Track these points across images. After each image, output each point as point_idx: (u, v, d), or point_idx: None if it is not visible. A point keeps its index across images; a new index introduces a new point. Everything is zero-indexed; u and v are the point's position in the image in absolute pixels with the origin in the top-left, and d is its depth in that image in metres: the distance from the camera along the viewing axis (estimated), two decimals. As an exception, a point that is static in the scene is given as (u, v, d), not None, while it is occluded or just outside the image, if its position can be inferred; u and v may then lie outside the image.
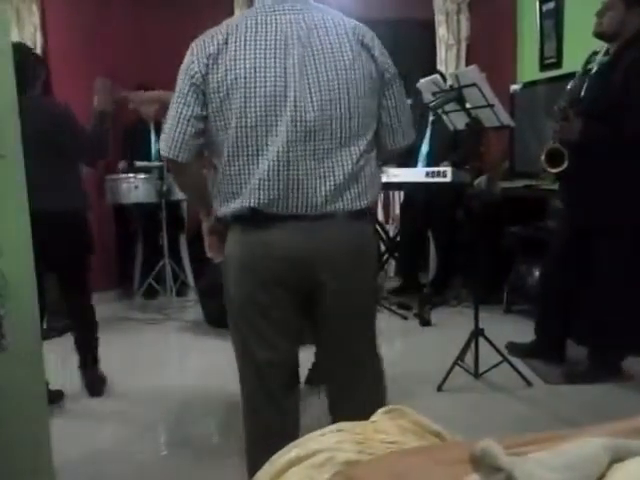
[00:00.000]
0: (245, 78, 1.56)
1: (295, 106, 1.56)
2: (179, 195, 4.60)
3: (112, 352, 3.48)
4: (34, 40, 4.69)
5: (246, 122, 1.57)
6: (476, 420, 2.65)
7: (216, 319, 4.17)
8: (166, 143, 1.66)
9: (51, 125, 2.89)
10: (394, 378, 2.01)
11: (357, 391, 1.77)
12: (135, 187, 4.51)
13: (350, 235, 1.67)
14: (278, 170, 1.58)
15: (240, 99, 1.56)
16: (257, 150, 1.59)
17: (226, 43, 1.59)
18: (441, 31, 5.34)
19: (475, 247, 3.38)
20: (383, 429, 0.69)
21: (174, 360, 3.36)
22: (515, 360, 3.16)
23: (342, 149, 1.62)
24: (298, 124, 1.57)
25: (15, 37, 4.46)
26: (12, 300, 1.96)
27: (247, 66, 1.57)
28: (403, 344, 4.01)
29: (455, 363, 3.04)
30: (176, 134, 1.63)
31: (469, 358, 3.08)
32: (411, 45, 5.23)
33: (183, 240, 5.12)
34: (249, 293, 1.68)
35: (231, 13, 5.31)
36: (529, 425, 2.61)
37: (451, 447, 0.66)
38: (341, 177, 1.61)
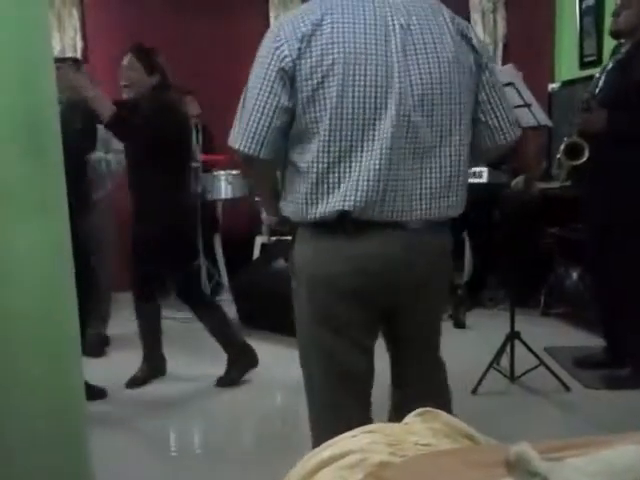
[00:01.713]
0: (344, 63, 1.38)
1: (400, 98, 1.40)
2: (214, 195, 4.65)
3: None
4: (74, 44, 4.79)
5: (342, 113, 1.40)
6: (511, 424, 2.60)
7: (249, 318, 4.20)
8: (243, 137, 1.47)
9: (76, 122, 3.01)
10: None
11: (431, 397, 1.70)
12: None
13: (440, 247, 1.57)
14: (379, 169, 1.40)
15: (337, 87, 1.39)
16: (353, 146, 1.41)
17: (320, 24, 1.40)
18: (477, 30, 5.28)
19: (512, 248, 3.33)
20: (415, 431, 0.68)
21: (207, 358, 3.39)
22: (552, 364, 3.11)
23: (442, 149, 1.47)
24: (401, 119, 1.40)
25: (56, 41, 4.57)
26: (50, 297, 2.01)
27: (346, 50, 1.39)
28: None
29: (490, 366, 3.00)
30: (258, 127, 1.45)
31: (504, 361, 3.04)
32: (447, 44, 5.18)
33: (218, 240, 5.16)
34: (326, 307, 1.52)
35: (266, 16, 5.36)
36: (566, 430, 2.56)
37: (485, 450, 0.65)
38: (440, 180, 1.47)
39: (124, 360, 3.54)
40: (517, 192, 3.90)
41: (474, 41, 1.52)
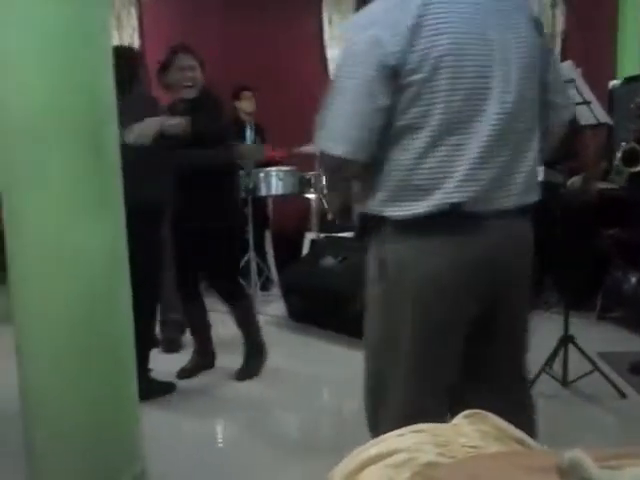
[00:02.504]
0: (453, 55, 1.34)
1: (501, 87, 1.38)
2: (265, 191, 4.69)
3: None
4: (132, 42, 4.91)
5: (453, 106, 1.36)
6: (562, 429, 2.54)
7: (297, 314, 4.23)
8: (344, 143, 1.40)
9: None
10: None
11: (528, 405, 1.63)
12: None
13: (530, 232, 1.55)
14: (485, 160, 1.38)
15: (448, 80, 1.34)
16: (463, 137, 1.38)
17: (423, 14, 1.33)
18: (535, 25, 5.16)
19: (567, 249, 3.24)
20: (464, 432, 0.67)
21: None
22: (607, 369, 3.01)
23: (529, 135, 1.46)
24: (502, 108, 1.39)
25: (115, 39, 4.69)
26: (105, 291, 2.07)
27: (453, 40, 1.34)
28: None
29: (542, 370, 2.92)
30: (360, 132, 1.39)
31: (557, 365, 2.96)
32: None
33: (268, 236, 5.20)
34: (436, 312, 1.44)
35: (319, 15, 5.37)
36: (620, 438, 2.47)
37: (535, 455, 0.64)
38: (529, 168, 1.46)
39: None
40: (574, 192, 3.79)
41: (540, 27, 1.51)
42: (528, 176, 1.46)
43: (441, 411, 1.48)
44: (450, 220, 1.38)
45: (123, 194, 2.12)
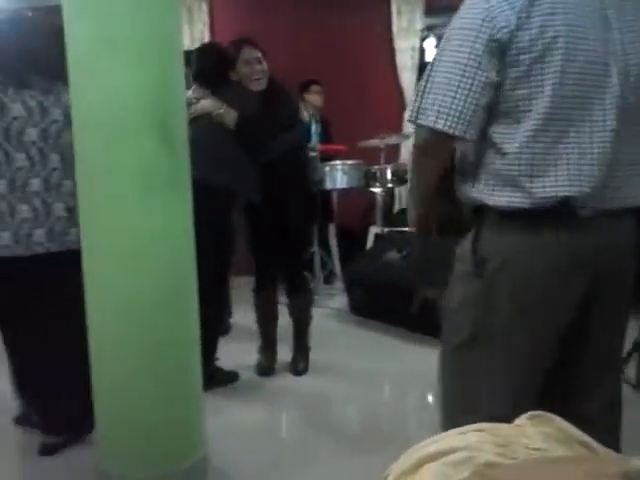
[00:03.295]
0: (567, 37, 1.26)
1: (620, 80, 1.29)
2: (330, 185, 4.69)
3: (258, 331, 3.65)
4: (202, 37, 5.01)
5: (563, 90, 1.27)
6: (633, 435, 2.43)
7: (360, 308, 4.22)
8: (448, 117, 1.31)
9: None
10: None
11: (614, 410, 1.58)
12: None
13: (636, 235, 1.44)
14: (603, 153, 1.28)
15: (559, 62, 1.26)
16: (573, 125, 1.29)
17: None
18: None
19: None
20: (527, 434, 0.65)
21: (319, 345, 3.45)
22: (685, 375, 2.87)
23: None
24: (623, 101, 1.30)
25: (186, 34, 4.80)
26: (175, 273, 2.12)
27: (569, 22, 1.27)
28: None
29: (613, 373, 2.81)
30: (466, 105, 1.29)
31: (630, 369, 2.84)
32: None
33: (332, 229, 5.21)
34: (541, 312, 1.36)
35: (388, 10, 5.33)
36: (698, 448, 2.35)
37: (603, 460, 0.61)
38: None
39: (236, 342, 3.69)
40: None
41: None
42: None
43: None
44: (556, 217, 1.29)
45: (191, 180, 2.19)
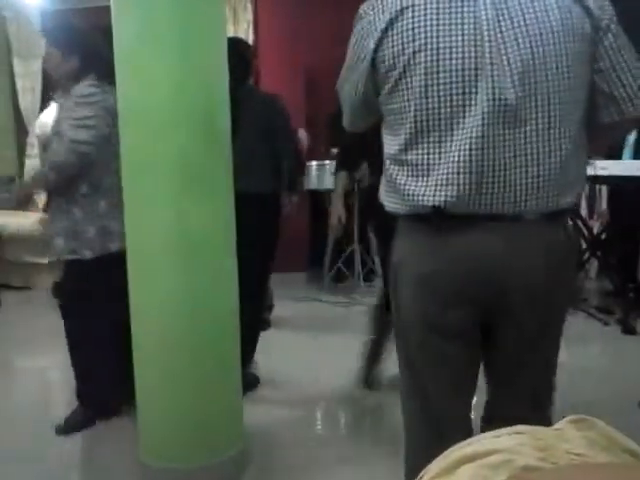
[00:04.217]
0: (426, 50, 1.27)
1: (492, 82, 1.25)
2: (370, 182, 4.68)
3: (300, 330, 3.66)
4: (247, 35, 5.05)
5: (427, 104, 1.29)
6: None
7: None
8: (345, 117, 1.56)
9: (267, 114, 3.10)
10: (586, 387, 1.85)
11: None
12: (330, 173, 4.67)
13: (548, 240, 1.34)
14: (470, 160, 1.27)
15: (420, 77, 1.28)
16: (442, 137, 1.30)
17: (403, 9, 1.30)
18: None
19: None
20: (569, 438, 0.63)
21: (357, 343, 3.43)
22: None
23: (548, 133, 1.28)
24: (496, 104, 1.26)
25: (230, 33, 4.84)
26: (217, 273, 2.15)
27: (429, 36, 1.27)
28: (601, 351, 3.70)
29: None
30: (351, 110, 1.50)
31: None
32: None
33: (373, 227, 5.19)
34: (426, 313, 1.38)
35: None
36: None
37: (649, 469, 0.59)
38: (545, 169, 1.29)
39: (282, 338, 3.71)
40: None
41: (589, 2, 1.29)
42: (550, 178, 1.29)
43: (458, 416, 1.45)
44: (436, 221, 1.32)
45: (234, 181, 2.21)
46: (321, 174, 4.70)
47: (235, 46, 2.88)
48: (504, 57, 1.26)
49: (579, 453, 0.62)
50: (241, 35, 4.97)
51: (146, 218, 2.09)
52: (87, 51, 2.53)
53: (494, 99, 1.26)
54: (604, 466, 0.61)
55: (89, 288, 2.53)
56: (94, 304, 2.54)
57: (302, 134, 3.51)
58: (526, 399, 1.45)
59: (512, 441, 0.63)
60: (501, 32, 1.26)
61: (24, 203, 2.91)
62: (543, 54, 1.26)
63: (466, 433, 1.43)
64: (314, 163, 4.74)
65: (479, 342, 1.42)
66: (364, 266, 5.01)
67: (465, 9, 1.27)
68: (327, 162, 4.69)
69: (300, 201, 5.25)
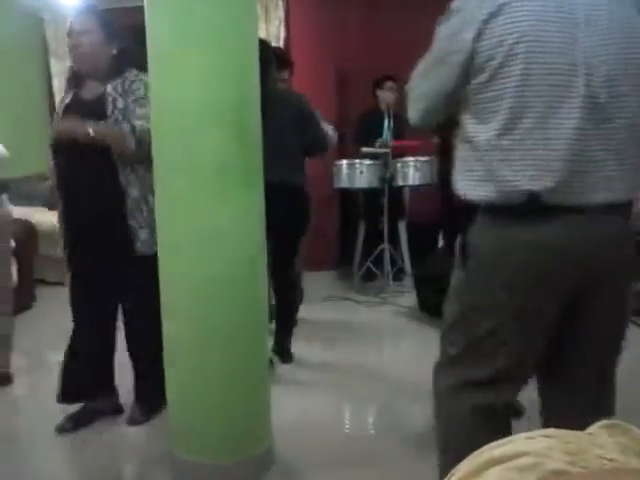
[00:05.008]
0: (527, 42, 1.34)
1: (586, 80, 1.34)
2: (401, 182, 4.66)
3: (329, 328, 3.66)
4: (278, 33, 5.06)
5: (525, 92, 1.36)
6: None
7: (429, 306, 4.16)
8: (417, 113, 1.55)
9: (297, 114, 3.17)
10: (632, 391, 1.80)
11: (604, 409, 1.54)
12: (360, 172, 4.65)
13: (624, 232, 1.46)
14: (567, 150, 1.35)
15: (520, 67, 1.35)
16: (538, 124, 1.36)
17: (505, 3, 1.37)
18: None
19: None
20: (601, 443, 0.61)
21: (386, 342, 3.43)
22: None
23: (631, 130, 1.39)
24: (587, 101, 1.35)
25: (262, 30, 4.87)
26: (247, 263, 2.16)
27: (528, 28, 1.35)
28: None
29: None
30: (431, 105, 1.51)
31: None
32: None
33: (403, 226, 5.17)
34: (517, 306, 1.43)
35: None
36: None
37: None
38: (626, 163, 1.39)
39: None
40: None
41: None
42: (625, 176, 1.39)
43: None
44: (525, 209, 1.37)
45: (264, 178, 2.22)
46: (351, 173, 4.68)
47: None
48: (595, 59, 1.35)
49: (611, 458, 0.60)
50: (272, 33, 4.99)
51: (178, 214, 2.11)
52: (124, 45, 2.51)
53: (587, 96, 1.34)
54: (637, 472, 0.59)
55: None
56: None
57: (330, 129, 3.52)
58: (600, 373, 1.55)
59: (541, 444, 0.62)
60: (593, 35, 1.35)
61: (61, 136, 2.39)
62: (630, 56, 1.36)
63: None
64: (344, 162, 4.73)
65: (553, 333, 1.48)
66: (394, 265, 4.98)
67: (561, 9, 1.35)
68: (357, 161, 4.67)
69: (330, 200, 5.27)
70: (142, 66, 2.30)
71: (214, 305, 2.12)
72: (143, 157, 2.31)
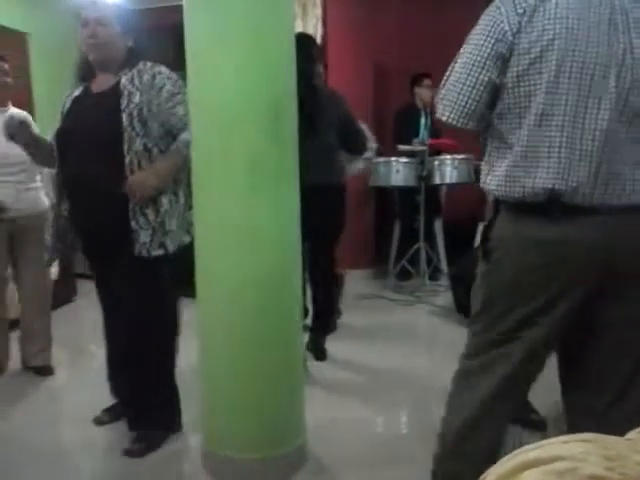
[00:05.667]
0: (563, 39, 1.35)
1: (620, 81, 1.35)
2: (439, 180, 4.62)
3: (364, 326, 3.65)
4: (315, 30, 5.07)
5: (558, 89, 1.36)
6: None
7: (465, 307, 4.11)
8: (452, 109, 1.50)
9: (342, 116, 3.18)
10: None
11: (633, 399, 1.52)
12: (397, 171, 4.63)
13: None
14: (594, 150, 1.35)
15: (555, 62, 1.36)
16: (567, 122, 1.37)
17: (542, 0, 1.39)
18: None
19: None
20: (640, 449, 0.60)
21: (420, 343, 3.41)
22: None
23: None
24: (620, 102, 1.35)
25: (299, 28, 4.87)
26: (281, 259, 2.17)
27: (567, 25, 1.35)
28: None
29: None
30: (468, 101, 1.47)
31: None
32: None
33: (439, 225, 5.12)
34: (529, 300, 1.46)
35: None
36: None
37: None
38: None
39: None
40: None
41: None
42: None
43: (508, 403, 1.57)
44: (547, 207, 1.38)
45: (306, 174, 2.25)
46: (387, 171, 4.65)
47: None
48: (631, 59, 1.35)
49: (651, 465, 0.59)
50: (310, 30, 4.99)
51: (215, 211, 2.12)
52: (137, 41, 2.44)
53: (620, 98, 1.35)
54: (678, 480, 0.57)
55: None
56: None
57: (365, 129, 3.54)
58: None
59: (578, 449, 0.61)
60: (630, 34, 1.35)
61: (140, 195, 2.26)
62: None
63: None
64: (380, 160, 4.70)
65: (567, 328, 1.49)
66: (429, 264, 4.94)
67: (601, 9, 1.36)
68: (393, 159, 4.64)
69: (366, 198, 5.25)
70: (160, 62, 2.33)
71: (249, 300, 2.14)
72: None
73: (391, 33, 5.26)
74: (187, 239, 2.39)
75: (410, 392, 3.03)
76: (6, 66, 3.14)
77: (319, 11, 5.11)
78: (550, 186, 1.37)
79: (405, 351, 3.58)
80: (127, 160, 2.24)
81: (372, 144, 3.67)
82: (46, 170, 3.11)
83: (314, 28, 5.08)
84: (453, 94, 1.49)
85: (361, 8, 5.09)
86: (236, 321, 2.14)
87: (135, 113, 2.25)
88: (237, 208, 2.09)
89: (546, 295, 1.44)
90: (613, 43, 1.35)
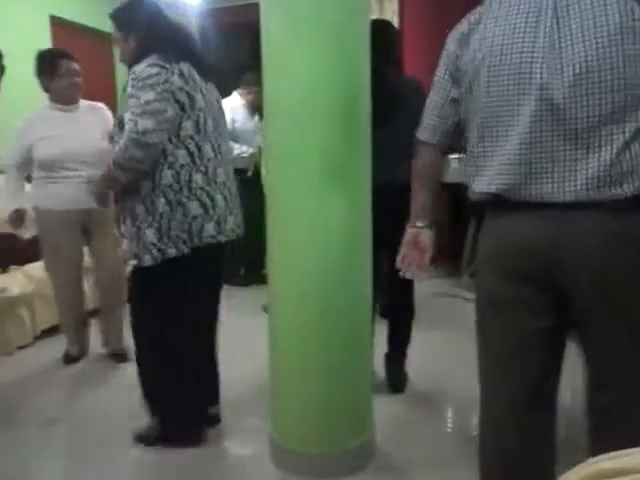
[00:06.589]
0: (490, 57, 1.46)
1: (540, 84, 1.40)
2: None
3: (436, 324, 3.61)
4: (392, 25, 5.04)
5: (490, 103, 1.48)
6: None
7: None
8: (424, 128, 1.68)
9: (416, 102, 3.05)
10: None
11: (629, 415, 1.48)
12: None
13: (608, 228, 1.40)
14: (519, 153, 1.44)
15: (485, 79, 1.47)
16: (499, 132, 1.48)
17: (478, 22, 1.52)
18: None
19: None
20: None
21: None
22: None
23: (601, 129, 1.38)
24: (543, 103, 1.40)
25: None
26: (351, 257, 2.17)
27: (494, 43, 1.46)
28: None
29: None
30: (432, 120, 1.64)
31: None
32: None
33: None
34: (491, 289, 1.59)
35: None
36: None
37: None
38: (599, 160, 1.38)
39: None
40: None
41: None
42: (600, 170, 1.38)
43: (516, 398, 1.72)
44: (497, 206, 1.51)
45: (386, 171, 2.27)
46: (461, 167, 4.56)
47: (382, 30, 2.80)
48: (557, 59, 1.39)
49: None
50: (386, 26, 4.96)
51: (289, 207, 2.15)
52: (146, 30, 2.29)
53: (541, 99, 1.40)
54: None
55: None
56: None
57: None
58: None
59: (658, 461, 0.58)
60: (559, 36, 1.39)
61: (102, 202, 2.57)
62: (598, 55, 1.36)
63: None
64: (454, 156, 4.61)
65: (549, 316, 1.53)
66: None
67: (529, 17, 1.43)
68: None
69: (439, 195, 5.18)
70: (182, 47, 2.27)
71: (319, 295, 2.16)
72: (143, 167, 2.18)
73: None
74: (172, 252, 2.22)
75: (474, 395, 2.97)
76: (77, 66, 3.19)
77: (396, 5, 5.07)
78: (488, 190, 1.49)
79: (476, 351, 3.50)
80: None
81: None
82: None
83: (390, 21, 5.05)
84: (426, 114, 1.67)
85: (439, 3, 5.01)
86: (306, 313, 2.17)
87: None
88: (312, 206, 2.11)
89: (503, 277, 1.53)
90: (537, 49, 1.40)
